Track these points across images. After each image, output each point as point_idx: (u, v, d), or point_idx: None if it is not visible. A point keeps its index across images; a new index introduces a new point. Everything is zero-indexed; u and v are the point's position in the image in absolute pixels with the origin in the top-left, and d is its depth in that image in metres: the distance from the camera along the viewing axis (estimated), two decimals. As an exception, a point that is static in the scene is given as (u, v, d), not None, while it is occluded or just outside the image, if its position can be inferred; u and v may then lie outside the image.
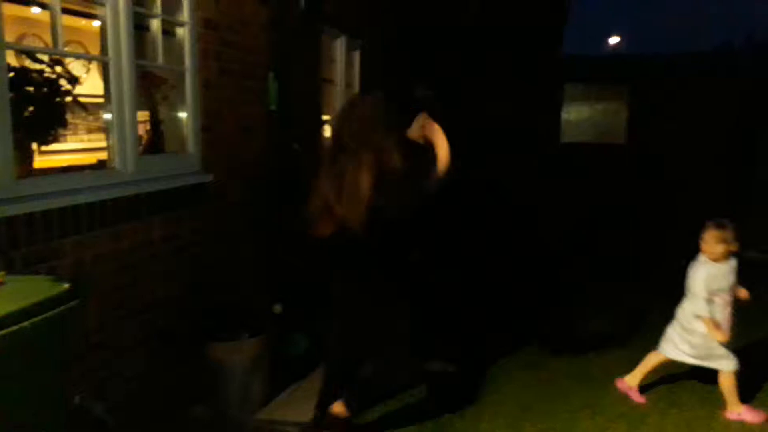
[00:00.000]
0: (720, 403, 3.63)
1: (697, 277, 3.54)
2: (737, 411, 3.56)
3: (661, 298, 4.10)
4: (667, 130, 11.71)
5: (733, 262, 3.57)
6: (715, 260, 3.54)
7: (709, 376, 3.71)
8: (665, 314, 3.83)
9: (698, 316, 3.54)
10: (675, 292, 3.75)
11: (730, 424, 3.54)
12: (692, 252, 3.64)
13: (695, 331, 3.58)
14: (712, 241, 3.53)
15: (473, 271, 6.76)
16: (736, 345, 3.63)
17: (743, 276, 3.63)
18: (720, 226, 3.55)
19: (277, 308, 4.18)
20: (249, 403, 3.53)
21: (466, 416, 3.58)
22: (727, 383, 3.58)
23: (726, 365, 3.56)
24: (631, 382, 3.84)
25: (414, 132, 3.15)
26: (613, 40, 21.49)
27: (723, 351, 3.55)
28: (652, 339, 3.92)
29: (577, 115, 13.33)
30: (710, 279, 3.51)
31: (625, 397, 3.83)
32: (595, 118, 13.28)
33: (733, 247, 3.54)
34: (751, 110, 11.46)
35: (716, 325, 3.49)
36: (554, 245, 8.09)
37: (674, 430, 3.47)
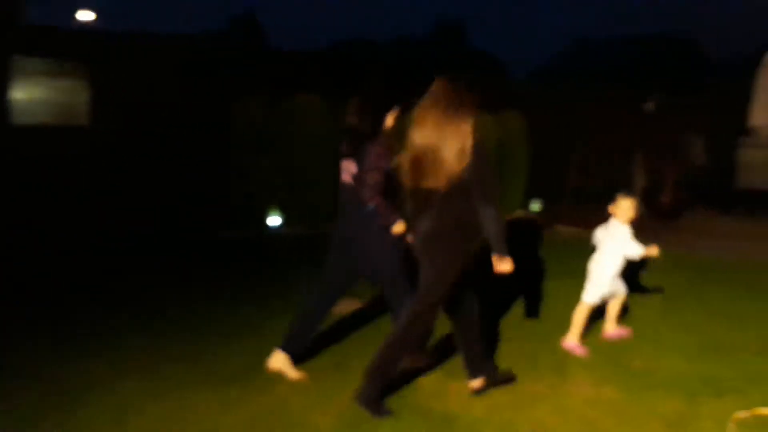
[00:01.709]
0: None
1: (624, 234, 4.49)
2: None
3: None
4: (130, 110, 11.35)
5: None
6: (625, 223, 4.53)
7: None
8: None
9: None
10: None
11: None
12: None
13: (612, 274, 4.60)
14: (624, 207, 4.51)
15: None
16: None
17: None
18: (632, 196, 4.57)
19: None
20: None
21: None
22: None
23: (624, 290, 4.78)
24: (571, 339, 4.50)
25: None
26: (89, 15, 20.13)
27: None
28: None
29: (35, 94, 11.98)
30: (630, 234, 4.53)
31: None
32: (57, 98, 12.17)
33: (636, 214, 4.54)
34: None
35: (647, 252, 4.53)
36: None
37: None
